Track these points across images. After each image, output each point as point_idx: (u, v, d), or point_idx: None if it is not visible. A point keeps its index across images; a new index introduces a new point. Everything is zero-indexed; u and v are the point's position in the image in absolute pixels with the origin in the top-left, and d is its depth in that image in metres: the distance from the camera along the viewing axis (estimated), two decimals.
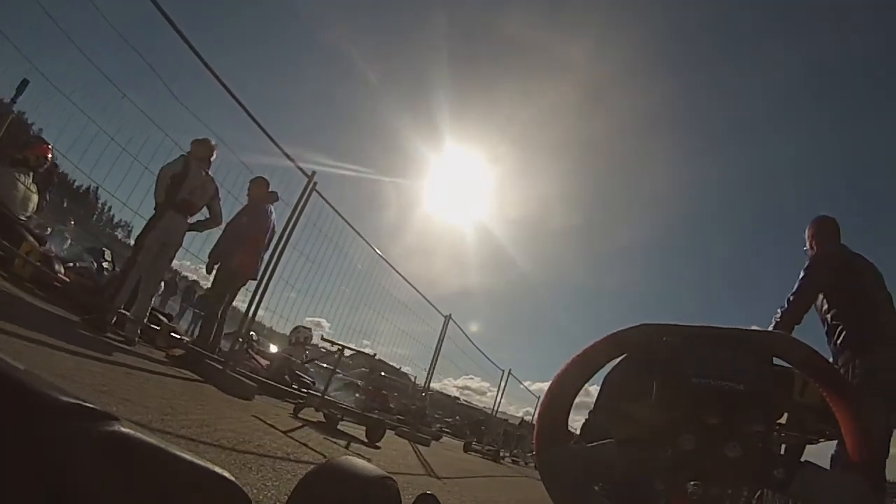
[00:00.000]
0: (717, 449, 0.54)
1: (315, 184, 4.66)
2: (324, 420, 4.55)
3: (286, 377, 5.82)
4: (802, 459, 0.55)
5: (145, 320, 4.19)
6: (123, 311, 4.04)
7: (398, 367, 10.36)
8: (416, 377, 8.19)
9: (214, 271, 4.49)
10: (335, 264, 5.82)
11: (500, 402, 11.40)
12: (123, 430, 0.27)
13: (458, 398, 17.46)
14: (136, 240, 4.11)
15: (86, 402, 0.27)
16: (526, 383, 15.50)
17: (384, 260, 6.38)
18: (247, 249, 4.47)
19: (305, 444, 3.02)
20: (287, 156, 4.44)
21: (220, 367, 4.02)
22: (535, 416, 0.63)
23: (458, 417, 15.46)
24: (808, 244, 2.95)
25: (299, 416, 4.35)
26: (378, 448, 4.35)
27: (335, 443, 3.78)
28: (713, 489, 0.54)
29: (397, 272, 6.62)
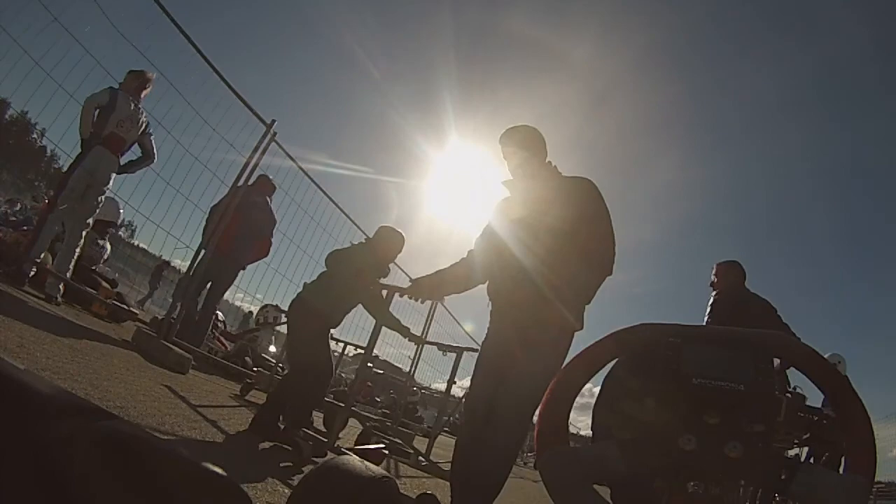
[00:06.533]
0: (717, 449, 0.54)
1: (275, 133, 4.28)
2: None
3: (247, 359, 5.26)
4: (802, 459, 0.55)
5: (68, 274, 3.71)
6: (49, 269, 3.59)
7: (400, 366, 10.17)
8: (412, 373, 7.97)
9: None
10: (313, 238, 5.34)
11: None
12: (123, 430, 0.27)
13: (462, 399, 17.28)
14: (60, 180, 3.67)
15: (86, 402, 0.26)
16: None
17: (351, 221, 5.66)
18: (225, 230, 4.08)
19: (214, 423, 2.51)
20: (244, 102, 4.07)
21: (154, 335, 3.60)
22: (537, 415, 0.63)
23: (458, 416, 15.36)
24: (713, 280, 3.42)
25: (247, 398, 3.81)
26: (338, 439, 3.85)
27: None
28: (714, 489, 0.54)
29: (357, 227, 5.85)
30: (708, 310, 3.30)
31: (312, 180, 5.08)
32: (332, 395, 4.74)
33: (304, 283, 2.98)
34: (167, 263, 11.83)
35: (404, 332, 3.00)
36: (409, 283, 2.24)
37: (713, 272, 3.44)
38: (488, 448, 1.69)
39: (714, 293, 3.38)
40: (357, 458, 0.54)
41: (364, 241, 3.45)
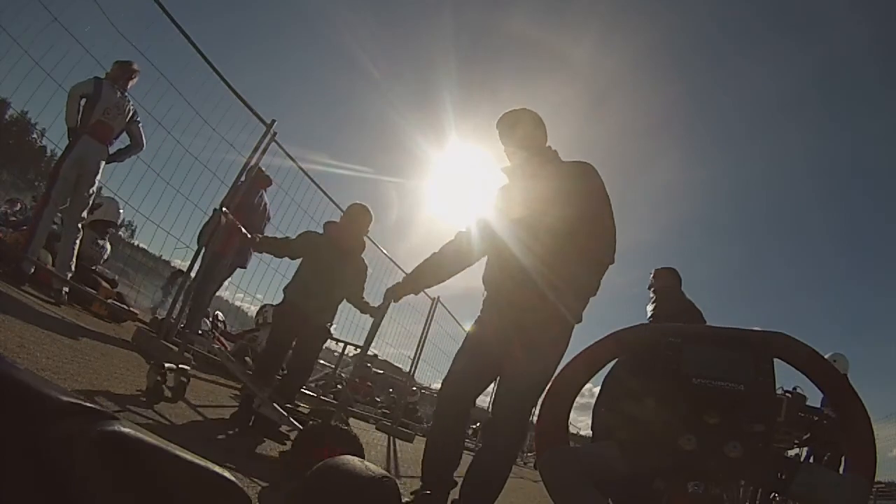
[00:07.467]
0: (717, 449, 0.54)
1: (275, 133, 4.28)
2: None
3: (247, 359, 5.21)
4: (802, 459, 0.55)
5: (72, 266, 3.71)
6: (50, 268, 3.59)
7: (400, 366, 10.14)
8: (413, 373, 7.92)
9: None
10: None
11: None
12: (123, 430, 0.27)
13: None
14: (50, 173, 3.60)
15: (86, 402, 0.27)
16: None
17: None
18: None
19: (214, 423, 2.61)
20: (244, 102, 4.10)
21: (154, 335, 3.60)
22: (536, 415, 0.63)
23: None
24: (650, 285, 3.64)
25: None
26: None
27: None
28: (714, 489, 0.54)
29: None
30: (650, 314, 3.59)
31: (312, 180, 5.07)
32: (331, 395, 4.71)
33: (284, 289, 3.05)
34: (181, 272, 11.68)
35: (365, 308, 3.14)
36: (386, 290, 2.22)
37: (652, 276, 3.75)
38: (489, 448, 1.68)
39: (653, 295, 3.68)
40: (357, 458, 0.54)
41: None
